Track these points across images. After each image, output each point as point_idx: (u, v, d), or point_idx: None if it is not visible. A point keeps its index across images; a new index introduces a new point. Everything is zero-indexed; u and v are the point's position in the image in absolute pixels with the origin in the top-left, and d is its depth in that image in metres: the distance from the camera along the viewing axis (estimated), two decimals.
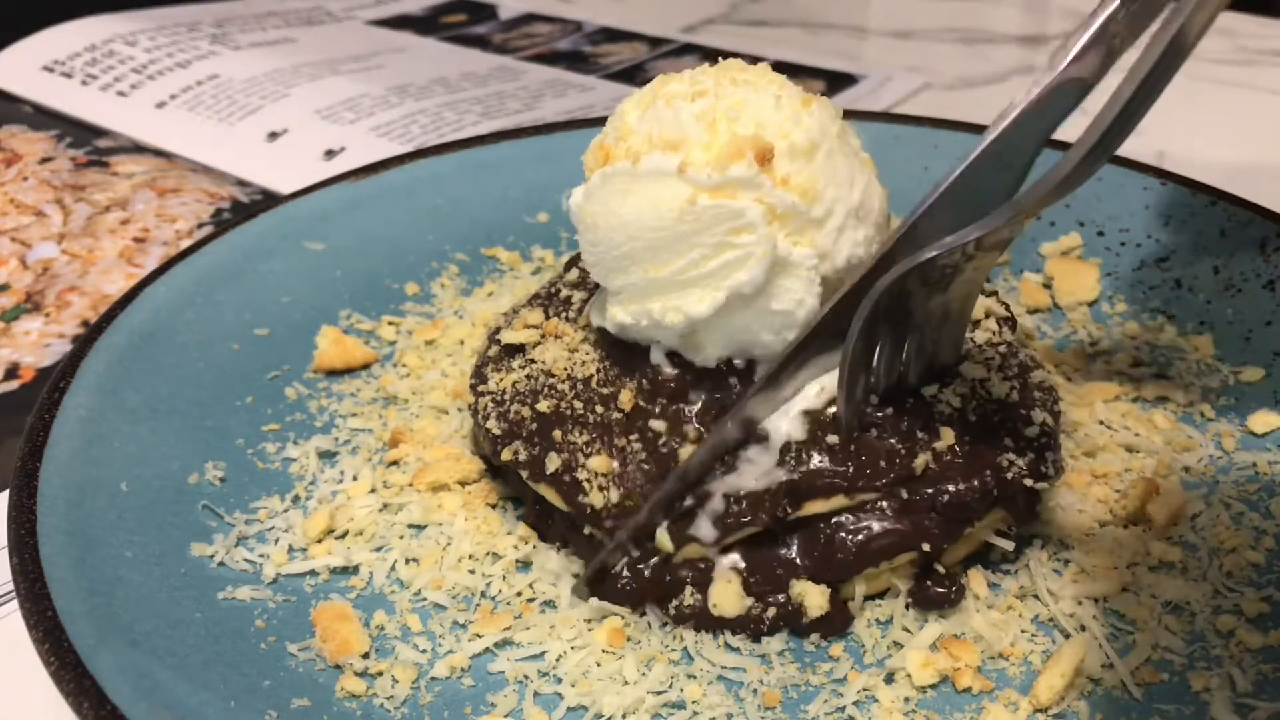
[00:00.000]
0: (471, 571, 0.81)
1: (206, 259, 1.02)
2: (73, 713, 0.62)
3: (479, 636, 0.76)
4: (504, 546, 0.83)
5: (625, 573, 0.77)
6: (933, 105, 1.72)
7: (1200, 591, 0.77)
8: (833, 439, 0.75)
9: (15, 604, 0.82)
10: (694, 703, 0.72)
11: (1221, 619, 0.75)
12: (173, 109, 1.72)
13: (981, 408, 0.79)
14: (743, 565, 0.76)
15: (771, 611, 0.76)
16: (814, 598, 0.75)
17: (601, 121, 1.26)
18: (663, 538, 0.75)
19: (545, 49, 2.02)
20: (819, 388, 0.78)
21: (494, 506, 0.87)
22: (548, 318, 0.87)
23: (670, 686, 0.73)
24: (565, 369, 0.81)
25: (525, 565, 0.82)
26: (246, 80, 1.79)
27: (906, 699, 0.72)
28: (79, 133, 1.67)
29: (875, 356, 0.76)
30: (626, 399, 0.78)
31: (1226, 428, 0.91)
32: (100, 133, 1.68)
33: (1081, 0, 2.18)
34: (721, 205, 0.73)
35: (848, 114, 0.81)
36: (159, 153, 1.61)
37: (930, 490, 0.75)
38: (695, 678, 0.74)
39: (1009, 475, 0.76)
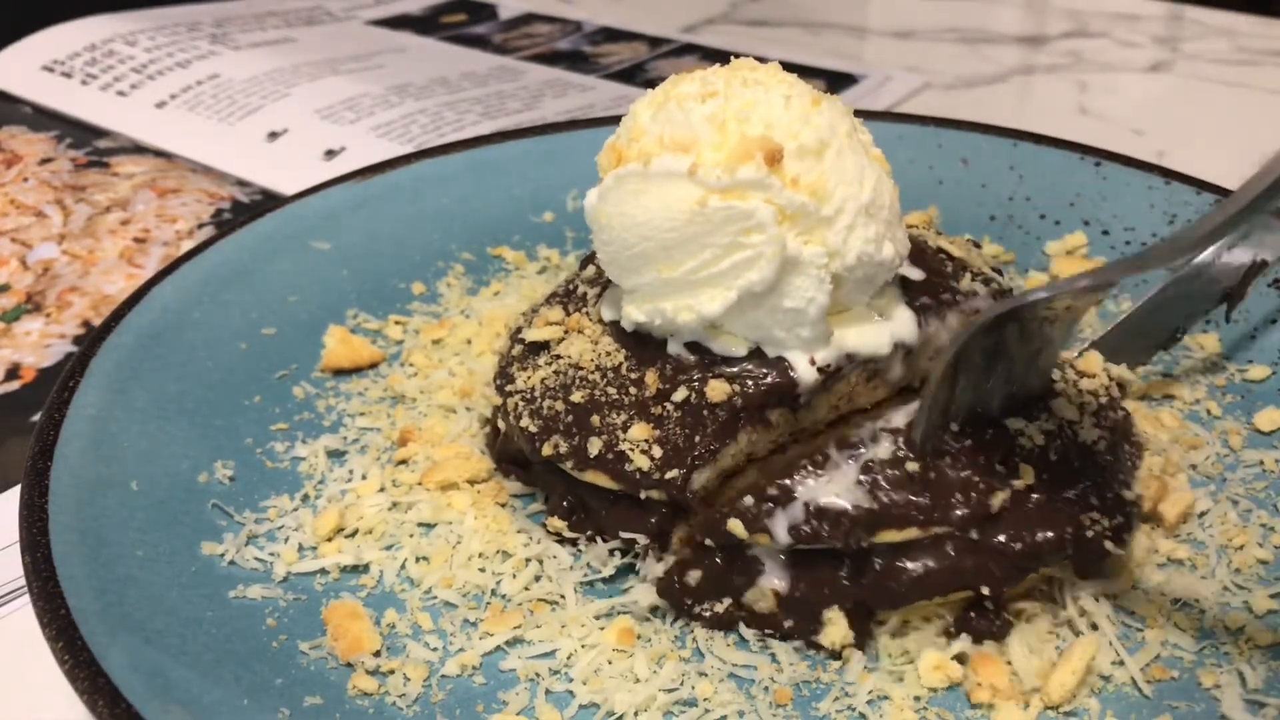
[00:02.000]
0: (482, 570, 0.81)
1: (213, 259, 1.02)
2: (86, 710, 0.62)
3: (490, 635, 0.76)
4: (514, 545, 0.83)
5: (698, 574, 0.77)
6: (933, 105, 1.72)
7: (1209, 588, 0.77)
8: (913, 466, 0.73)
9: (18, 602, 0.82)
10: (705, 700, 0.72)
11: (1231, 615, 0.75)
12: (173, 109, 1.72)
13: (1065, 450, 0.76)
14: (787, 582, 0.75)
15: (790, 622, 0.75)
16: (836, 630, 0.74)
17: (604, 121, 1.28)
18: (736, 525, 0.74)
19: (545, 49, 2.02)
20: (907, 408, 0.76)
21: (503, 505, 0.87)
22: (568, 314, 0.87)
23: (681, 684, 0.73)
24: (592, 360, 0.82)
25: (536, 563, 0.82)
26: (246, 80, 1.79)
27: (917, 697, 0.72)
28: (79, 133, 1.67)
29: (960, 382, 0.73)
30: (652, 380, 0.79)
31: (1233, 425, 0.91)
32: (100, 133, 1.67)
33: (1081, 0, 2.19)
34: (732, 207, 0.73)
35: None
36: (159, 153, 1.61)
37: (1004, 536, 0.72)
38: (706, 675, 0.74)
39: (1089, 533, 0.73)
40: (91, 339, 0.90)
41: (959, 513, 0.72)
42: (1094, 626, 0.75)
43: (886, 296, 0.83)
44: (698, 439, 0.76)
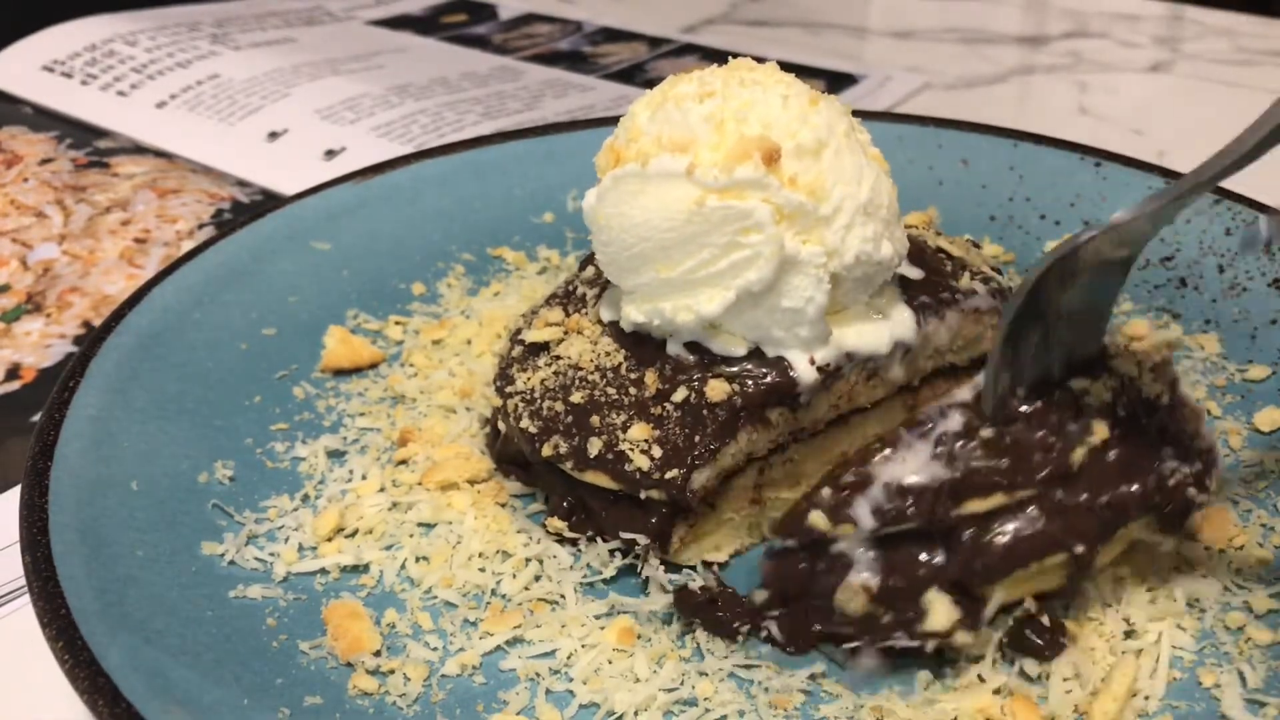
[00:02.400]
0: (482, 570, 0.81)
1: (214, 259, 1.02)
2: (86, 710, 0.62)
3: (490, 634, 0.76)
4: (514, 545, 0.83)
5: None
6: (933, 105, 1.72)
7: (1209, 588, 0.77)
8: (987, 433, 0.73)
9: (18, 602, 0.82)
10: (705, 700, 0.72)
11: (1231, 615, 0.75)
12: (173, 109, 1.72)
13: (1132, 404, 0.74)
14: (879, 574, 0.72)
15: (889, 617, 0.72)
16: (940, 611, 0.71)
17: (604, 121, 1.28)
18: (818, 517, 0.72)
19: (545, 49, 2.03)
20: (972, 383, 0.75)
21: (503, 505, 0.87)
22: (567, 315, 0.87)
23: (681, 684, 0.73)
24: (592, 361, 0.82)
25: (536, 563, 0.82)
26: (246, 80, 1.79)
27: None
28: (79, 133, 1.67)
29: (1020, 346, 0.73)
30: (651, 380, 0.79)
31: (1233, 425, 0.91)
32: (100, 133, 1.67)
33: (1081, 0, 2.19)
34: (729, 206, 0.73)
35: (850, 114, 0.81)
36: (159, 153, 1.61)
37: (1090, 494, 0.71)
38: (706, 675, 0.74)
39: (1172, 481, 0.72)
40: (92, 339, 0.90)
41: (1041, 473, 0.71)
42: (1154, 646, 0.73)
43: (886, 295, 0.83)
44: (697, 439, 0.76)
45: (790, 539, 0.74)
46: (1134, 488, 0.72)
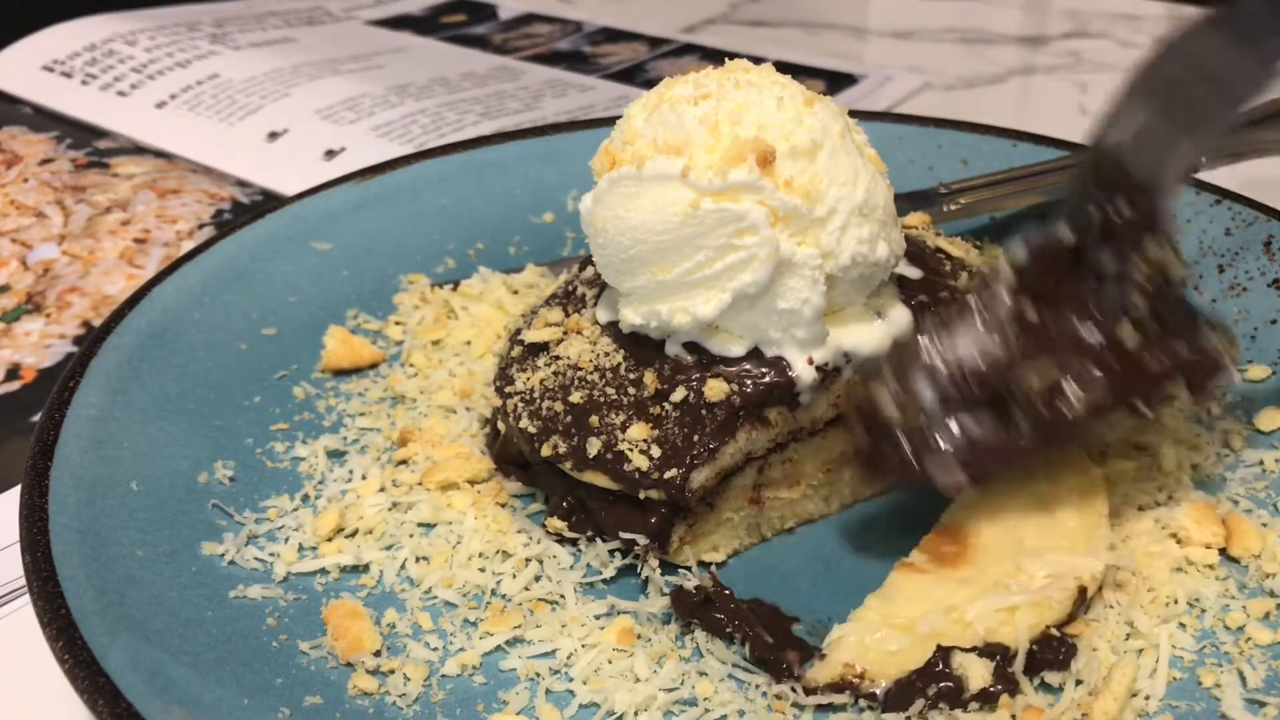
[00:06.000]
0: (482, 570, 0.81)
1: (214, 259, 1.02)
2: (86, 710, 0.62)
3: (490, 634, 0.76)
4: (514, 545, 0.83)
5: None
6: (933, 105, 1.72)
7: (1209, 588, 0.77)
8: (1035, 312, 0.76)
9: (18, 602, 0.82)
10: (705, 700, 0.72)
11: (1231, 615, 0.75)
12: (173, 109, 1.72)
13: (1163, 281, 0.78)
14: (961, 443, 0.76)
15: (933, 689, 0.70)
16: (976, 669, 0.70)
17: (604, 122, 1.28)
18: (887, 406, 0.76)
19: (545, 49, 2.03)
20: (1009, 260, 0.78)
21: (504, 505, 0.87)
22: (567, 315, 0.87)
23: (681, 684, 0.73)
24: (591, 361, 0.82)
25: (536, 563, 0.82)
26: (246, 80, 1.79)
27: None
28: (79, 134, 1.67)
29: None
30: (650, 380, 0.79)
31: (1234, 426, 0.91)
32: (100, 134, 1.68)
33: (1081, 0, 2.19)
34: (724, 209, 0.73)
35: (850, 114, 0.81)
36: (159, 153, 1.61)
37: (1145, 357, 0.76)
38: (706, 675, 0.74)
39: (1208, 345, 0.77)
40: (92, 339, 0.90)
41: (1094, 339, 0.76)
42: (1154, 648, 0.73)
43: (884, 295, 0.83)
44: (696, 438, 0.76)
45: (862, 429, 0.78)
46: (1184, 345, 0.76)
